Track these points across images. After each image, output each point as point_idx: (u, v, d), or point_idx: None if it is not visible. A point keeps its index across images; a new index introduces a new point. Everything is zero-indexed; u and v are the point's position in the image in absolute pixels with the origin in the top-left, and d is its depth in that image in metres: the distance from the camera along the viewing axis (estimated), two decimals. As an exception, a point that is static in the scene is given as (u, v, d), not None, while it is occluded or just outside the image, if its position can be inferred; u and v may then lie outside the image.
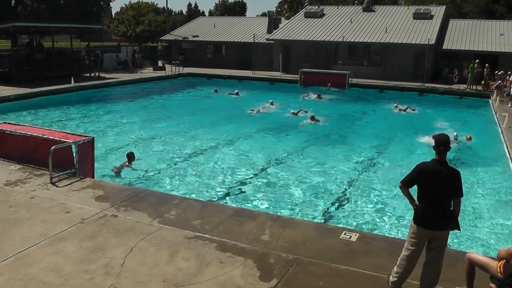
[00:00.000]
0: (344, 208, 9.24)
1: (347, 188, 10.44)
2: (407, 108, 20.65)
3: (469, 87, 26.25)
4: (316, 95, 23.68)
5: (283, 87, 28.20)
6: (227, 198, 9.62)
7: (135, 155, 11.34)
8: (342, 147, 14.20)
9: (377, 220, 8.70)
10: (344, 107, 21.88)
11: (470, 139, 14.84)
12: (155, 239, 6.19)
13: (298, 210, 9.06)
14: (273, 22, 37.79)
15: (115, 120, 17.78)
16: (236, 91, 24.46)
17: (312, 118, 17.42)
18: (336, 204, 9.45)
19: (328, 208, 9.22)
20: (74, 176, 8.67)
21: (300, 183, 10.60)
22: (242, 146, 13.84)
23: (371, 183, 10.75)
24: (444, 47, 30.27)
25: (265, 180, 10.76)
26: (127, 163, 11.07)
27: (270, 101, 20.88)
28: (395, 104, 21.18)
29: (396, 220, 8.67)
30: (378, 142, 15.02)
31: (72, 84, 23.48)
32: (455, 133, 15.00)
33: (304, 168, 11.79)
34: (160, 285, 5.11)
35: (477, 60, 26.71)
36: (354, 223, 8.48)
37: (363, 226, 8.34)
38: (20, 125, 10.59)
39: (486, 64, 26.49)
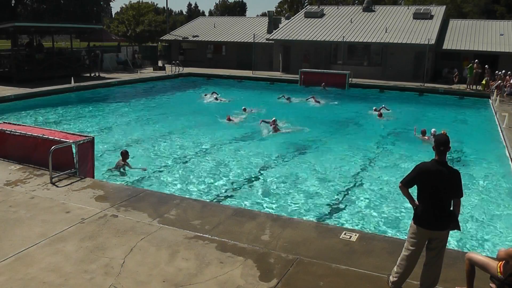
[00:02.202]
0: (344, 208, 9.24)
1: (346, 188, 10.43)
2: (381, 109, 19.71)
3: (468, 87, 26.24)
4: (311, 98, 22.42)
5: (283, 87, 28.19)
6: (226, 199, 9.62)
7: (134, 154, 11.37)
8: (339, 149, 14.19)
9: (377, 220, 8.69)
10: (341, 108, 21.89)
11: (445, 134, 14.95)
12: (155, 239, 6.20)
13: (297, 210, 9.06)
14: (273, 22, 37.79)
15: (115, 120, 17.78)
16: (215, 95, 22.69)
17: (275, 128, 15.52)
18: (336, 204, 9.45)
19: (327, 208, 9.22)
20: (74, 176, 8.67)
21: (297, 185, 10.60)
22: (230, 150, 13.75)
23: (371, 183, 10.75)
24: (444, 47, 30.28)
25: (261, 182, 10.76)
26: (122, 162, 11.10)
27: (243, 108, 19.15)
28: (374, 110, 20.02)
29: (396, 220, 8.67)
30: (377, 142, 15.02)
31: (72, 84, 23.48)
32: (433, 129, 15.32)
33: (300, 170, 11.78)
34: (160, 285, 5.11)
35: (476, 60, 26.70)
36: (354, 223, 8.49)
37: (363, 226, 8.34)
38: (20, 125, 10.60)
39: (486, 66, 26.42)
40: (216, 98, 22.34)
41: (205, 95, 23.23)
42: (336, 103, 22.80)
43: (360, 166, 12.22)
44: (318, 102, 22.22)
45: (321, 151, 13.75)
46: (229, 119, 17.20)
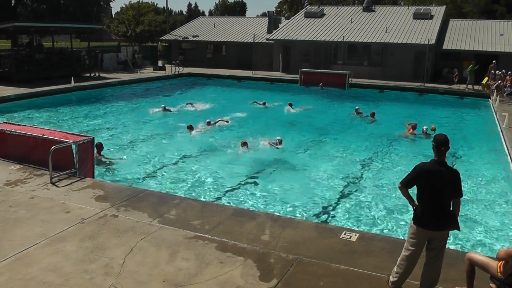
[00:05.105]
0: (344, 208, 9.23)
1: (345, 188, 10.43)
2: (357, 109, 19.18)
3: (468, 87, 26.21)
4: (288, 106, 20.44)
5: (282, 87, 28.19)
6: (225, 200, 9.63)
7: (133, 153, 11.38)
8: (336, 150, 14.19)
9: (377, 220, 8.70)
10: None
11: (434, 129, 15.42)
12: (155, 239, 6.20)
13: (297, 210, 9.06)
14: (273, 22, 37.78)
15: (115, 120, 17.77)
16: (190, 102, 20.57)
17: (244, 144, 13.36)
18: (336, 204, 9.45)
19: (327, 208, 9.22)
20: (74, 176, 8.68)
21: (296, 186, 10.60)
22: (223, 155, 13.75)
23: (370, 183, 10.75)
24: (444, 47, 30.27)
25: (259, 182, 10.75)
26: (96, 154, 11.16)
27: (207, 120, 16.34)
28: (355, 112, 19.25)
29: (396, 220, 8.67)
30: (377, 143, 15.02)
31: (72, 84, 23.47)
32: (425, 127, 15.64)
33: (299, 171, 11.78)
34: (160, 285, 5.11)
35: (494, 61, 26.48)
36: (354, 223, 8.48)
37: (363, 226, 8.34)
38: (20, 125, 10.60)
39: (497, 71, 26.27)
40: (165, 108, 19.24)
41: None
42: (310, 107, 21.27)
43: (359, 166, 12.21)
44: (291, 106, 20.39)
45: (319, 151, 13.75)
46: (191, 128, 15.46)
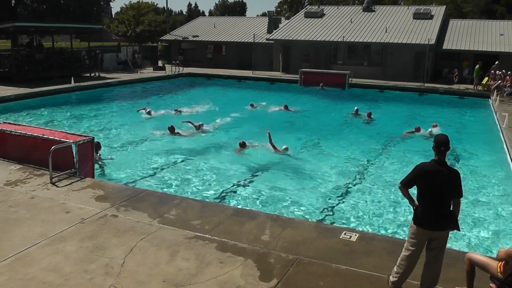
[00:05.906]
0: (344, 208, 9.23)
1: (345, 188, 10.43)
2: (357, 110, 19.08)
3: (475, 87, 26.18)
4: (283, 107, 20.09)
5: (282, 87, 28.19)
6: (225, 200, 9.62)
7: (132, 153, 11.36)
8: (340, 149, 14.19)
9: (377, 220, 8.69)
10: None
11: (435, 126, 15.78)
12: (155, 239, 6.20)
13: (297, 210, 9.06)
14: (273, 22, 37.78)
15: (115, 120, 17.77)
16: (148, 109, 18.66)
17: (243, 144, 13.21)
18: (336, 204, 9.45)
19: (327, 208, 9.21)
20: (74, 176, 8.68)
21: (296, 186, 10.60)
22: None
23: (371, 183, 10.75)
24: (444, 47, 30.28)
25: (259, 182, 10.75)
26: (95, 153, 11.17)
27: (200, 123, 15.82)
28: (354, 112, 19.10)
29: (396, 220, 8.67)
30: (377, 143, 15.02)
31: (72, 84, 23.47)
32: (430, 129, 15.74)
33: (299, 171, 11.78)
34: (160, 285, 5.11)
35: (496, 62, 26.45)
36: (354, 223, 8.48)
37: (363, 226, 8.34)
38: (20, 125, 10.61)
39: (498, 71, 26.29)
40: (149, 112, 18.33)
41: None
42: (310, 107, 21.21)
43: (359, 166, 12.21)
44: (288, 109, 20.11)
45: (319, 151, 13.74)
46: (175, 132, 14.86)
